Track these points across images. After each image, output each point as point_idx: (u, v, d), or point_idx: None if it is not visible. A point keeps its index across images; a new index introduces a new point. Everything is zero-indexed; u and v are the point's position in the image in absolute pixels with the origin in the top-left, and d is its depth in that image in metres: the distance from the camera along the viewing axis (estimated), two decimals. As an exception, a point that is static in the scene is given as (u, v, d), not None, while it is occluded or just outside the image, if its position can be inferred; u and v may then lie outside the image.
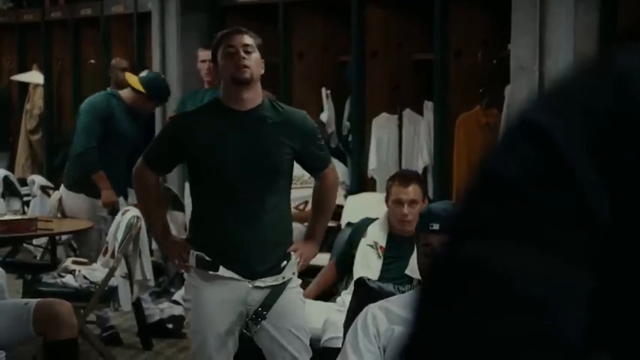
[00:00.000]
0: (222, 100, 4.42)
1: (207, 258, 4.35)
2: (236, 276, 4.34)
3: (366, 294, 4.50)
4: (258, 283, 4.36)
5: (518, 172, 0.89)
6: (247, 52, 4.35)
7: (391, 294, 4.30)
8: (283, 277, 4.40)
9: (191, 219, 4.56)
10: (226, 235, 4.33)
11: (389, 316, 3.76)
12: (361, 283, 4.73)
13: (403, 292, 4.40)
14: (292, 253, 4.47)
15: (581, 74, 0.95)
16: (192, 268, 4.39)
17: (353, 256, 5.61)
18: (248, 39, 4.39)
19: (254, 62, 4.35)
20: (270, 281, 4.38)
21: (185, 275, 4.49)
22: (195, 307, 4.38)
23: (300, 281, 4.55)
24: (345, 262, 5.62)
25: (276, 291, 4.38)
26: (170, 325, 7.24)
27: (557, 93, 0.94)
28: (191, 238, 4.49)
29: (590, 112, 0.90)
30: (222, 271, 4.34)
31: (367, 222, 5.67)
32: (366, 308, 3.85)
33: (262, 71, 4.42)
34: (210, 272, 4.34)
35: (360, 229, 5.64)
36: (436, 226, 3.74)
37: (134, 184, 4.65)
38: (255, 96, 4.38)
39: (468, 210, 0.91)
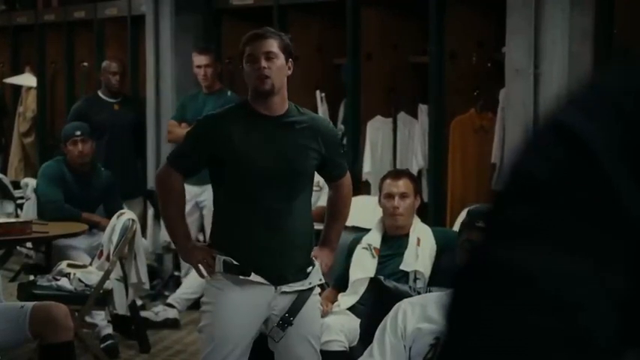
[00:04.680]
0: (251, 104, 4.37)
1: (236, 262, 4.29)
2: (264, 281, 4.30)
3: (382, 293, 4.52)
4: (285, 288, 4.32)
5: (551, 175, 0.89)
6: (269, 60, 4.27)
7: (407, 293, 4.32)
8: (310, 283, 4.37)
9: (214, 223, 4.49)
10: (253, 240, 4.29)
11: (421, 313, 3.77)
12: (377, 282, 4.75)
13: (418, 291, 4.43)
14: (314, 258, 4.43)
15: (614, 73, 0.95)
16: (220, 272, 4.32)
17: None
18: (271, 44, 4.30)
19: (275, 71, 4.27)
20: (296, 286, 4.34)
21: (207, 279, 4.40)
22: (216, 311, 4.32)
23: (319, 289, 4.52)
24: (345, 282, 5.59)
25: (303, 296, 4.34)
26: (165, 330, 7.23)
27: (590, 93, 0.93)
28: (216, 243, 4.42)
29: (624, 113, 0.90)
30: (253, 276, 4.29)
31: (358, 237, 5.66)
32: (398, 304, 3.86)
33: (289, 73, 4.35)
34: (241, 277, 4.29)
35: (353, 244, 5.62)
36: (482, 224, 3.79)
37: (157, 187, 4.58)
38: (282, 101, 4.34)
39: (501, 211, 0.91)
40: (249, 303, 4.30)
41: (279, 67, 4.29)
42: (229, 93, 7.94)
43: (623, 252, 0.87)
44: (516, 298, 0.86)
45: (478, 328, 0.87)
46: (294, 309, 4.33)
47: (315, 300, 4.42)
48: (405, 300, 3.91)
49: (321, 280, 4.45)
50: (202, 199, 7.48)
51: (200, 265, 4.37)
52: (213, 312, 4.33)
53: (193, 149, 4.40)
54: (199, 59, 7.92)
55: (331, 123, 4.72)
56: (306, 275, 4.37)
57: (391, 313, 3.83)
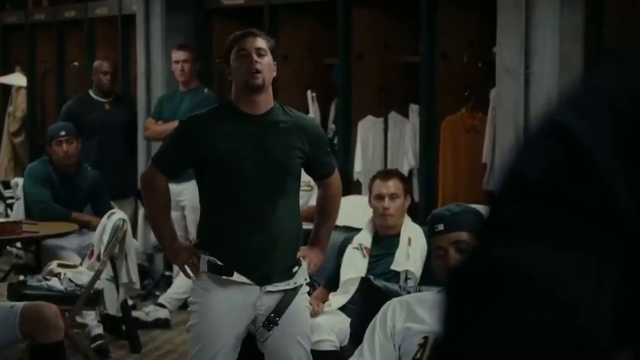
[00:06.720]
0: (235, 103, 4.37)
1: (219, 262, 4.29)
2: (247, 281, 4.29)
3: (371, 293, 4.51)
4: (270, 288, 4.32)
5: (546, 175, 0.89)
6: (260, 56, 4.30)
7: (397, 293, 4.32)
8: (295, 283, 4.36)
9: (200, 223, 4.49)
10: (237, 240, 4.28)
11: (410, 312, 3.77)
12: (367, 282, 4.74)
13: (408, 291, 4.43)
14: (301, 259, 4.42)
15: (607, 73, 0.95)
16: (204, 272, 4.33)
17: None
18: (261, 42, 4.35)
19: (266, 67, 4.30)
20: (281, 286, 4.33)
21: (193, 279, 4.40)
22: (203, 311, 4.32)
23: (308, 288, 4.50)
24: (336, 281, 5.59)
25: (288, 296, 4.33)
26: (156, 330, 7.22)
27: (584, 93, 0.93)
28: (201, 243, 4.42)
29: (618, 113, 0.90)
30: (236, 276, 4.29)
31: (349, 237, 5.66)
32: (387, 303, 3.86)
33: (274, 74, 4.39)
34: (224, 277, 4.29)
35: (344, 244, 5.61)
36: (440, 227, 3.78)
37: (142, 188, 4.57)
38: (267, 100, 4.35)
39: (496, 211, 0.91)
40: (234, 303, 4.29)
41: (268, 64, 4.33)
42: (206, 90, 7.96)
43: (620, 251, 0.87)
44: (515, 297, 0.86)
45: (476, 327, 0.86)
46: (280, 309, 4.31)
47: (302, 299, 4.40)
48: (394, 299, 3.90)
49: (306, 279, 4.43)
50: (182, 199, 7.45)
51: (186, 266, 4.37)
52: (200, 312, 4.33)
53: (177, 150, 4.41)
54: (177, 55, 7.96)
55: (317, 121, 4.72)
56: (292, 275, 4.36)
57: (380, 313, 3.83)
